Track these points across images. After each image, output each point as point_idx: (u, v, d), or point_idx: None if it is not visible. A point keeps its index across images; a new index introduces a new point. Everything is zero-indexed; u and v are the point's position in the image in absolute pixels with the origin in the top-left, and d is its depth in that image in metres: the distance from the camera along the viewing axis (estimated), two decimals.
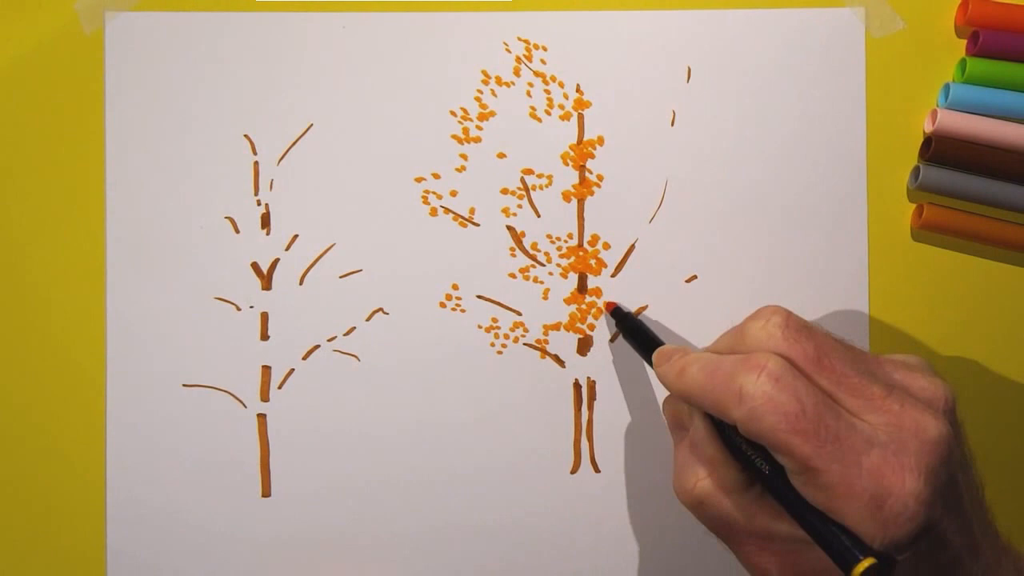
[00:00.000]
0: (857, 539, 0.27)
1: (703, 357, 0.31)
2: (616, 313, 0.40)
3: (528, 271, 0.41)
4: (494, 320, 0.41)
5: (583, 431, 0.41)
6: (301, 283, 0.40)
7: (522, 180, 0.41)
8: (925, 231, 0.41)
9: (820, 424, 0.27)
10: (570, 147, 0.41)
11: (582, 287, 0.41)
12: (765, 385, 0.28)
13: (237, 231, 0.40)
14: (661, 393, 0.41)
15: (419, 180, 0.40)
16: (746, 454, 0.30)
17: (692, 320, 0.41)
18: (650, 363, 0.35)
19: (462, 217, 0.41)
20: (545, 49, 0.41)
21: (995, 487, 0.32)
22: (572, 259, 0.41)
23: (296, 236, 0.40)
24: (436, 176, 0.40)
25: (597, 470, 0.41)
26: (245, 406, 0.40)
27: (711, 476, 0.31)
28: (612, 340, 0.41)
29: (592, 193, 0.41)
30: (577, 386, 0.41)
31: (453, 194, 0.40)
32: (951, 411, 0.29)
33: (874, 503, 0.27)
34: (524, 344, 0.41)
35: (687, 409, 0.33)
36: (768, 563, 0.30)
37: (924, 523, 0.27)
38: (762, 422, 0.28)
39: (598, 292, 0.41)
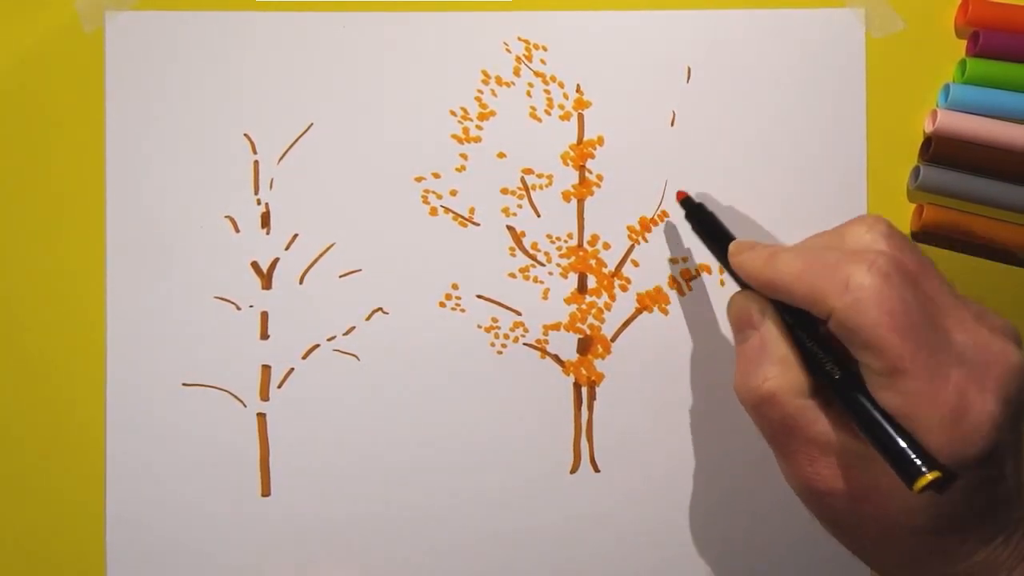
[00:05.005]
0: (923, 451, 0.27)
1: (798, 247, 0.31)
2: (687, 203, 0.38)
3: (528, 271, 0.41)
4: (494, 320, 0.41)
5: (583, 431, 0.41)
6: (301, 282, 0.40)
7: (522, 180, 0.41)
8: (925, 231, 0.41)
9: (920, 329, 0.27)
10: (570, 147, 0.41)
11: (582, 287, 0.41)
12: (874, 278, 0.28)
13: (237, 230, 0.40)
14: (664, 394, 0.41)
15: (419, 180, 0.40)
16: (818, 357, 0.30)
17: (692, 320, 0.41)
18: (720, 256, 0.35)
19: (462, 217, 0.41)
20: (545, 49, 0.41)
21: None
22: (572, 259, 0.41)
23: (296, 235, 0.40)
24: (436, 176, 0.40)
25: (597, 470, 0.41)
26: (245, 405, 0.40)
27: (780, 376, 0.30)
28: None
29: (592, 193, 0.41)
30: (577, 386, 0.41)
31: (453, 194, 0.40)
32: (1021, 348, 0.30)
33: (953, 416, 0.27)
34: (524, 344, 0.41)
35: (759, 307, 0.32)
36: (815, 475, 0.30)
37: (993, 446, 0.27)
38: (865, 316, 0.27)
39: (598, 292, 0.41)
